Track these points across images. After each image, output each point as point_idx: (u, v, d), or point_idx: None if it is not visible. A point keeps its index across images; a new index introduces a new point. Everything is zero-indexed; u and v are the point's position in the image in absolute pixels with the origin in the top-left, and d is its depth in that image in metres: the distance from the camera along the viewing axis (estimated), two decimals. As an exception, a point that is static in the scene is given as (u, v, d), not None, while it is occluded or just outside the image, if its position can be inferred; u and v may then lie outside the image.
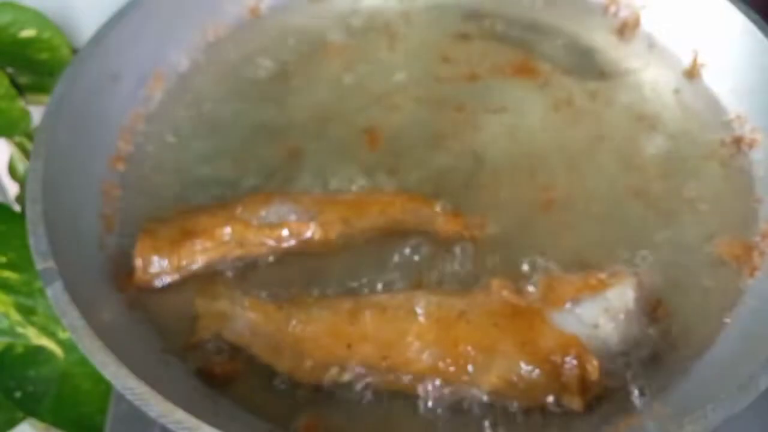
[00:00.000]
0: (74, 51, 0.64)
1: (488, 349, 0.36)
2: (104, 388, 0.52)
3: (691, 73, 0.51)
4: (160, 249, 0.41)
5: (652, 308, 0.39)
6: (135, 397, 0.32)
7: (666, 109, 0.50)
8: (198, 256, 0.41)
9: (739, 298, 0.41)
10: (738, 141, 0.47)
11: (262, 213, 0.42)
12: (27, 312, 0.52)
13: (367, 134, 0.48)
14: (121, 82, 0.48)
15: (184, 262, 0.41)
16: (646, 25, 0.54)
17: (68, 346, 0.53)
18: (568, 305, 0.37)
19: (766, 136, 0.46)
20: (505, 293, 0.38)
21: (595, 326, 0.37)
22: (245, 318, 0.39)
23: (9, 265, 0.52)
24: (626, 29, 0.54)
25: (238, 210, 0.42)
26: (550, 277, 0.40)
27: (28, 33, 0.63)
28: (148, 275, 0.41)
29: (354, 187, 0.45)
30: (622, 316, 0.37)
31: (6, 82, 0.61)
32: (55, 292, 0.36)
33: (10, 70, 0.64)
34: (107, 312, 0.39)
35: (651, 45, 0.53)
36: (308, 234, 0.42)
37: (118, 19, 0.48)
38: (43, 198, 0.39)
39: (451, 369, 0.36)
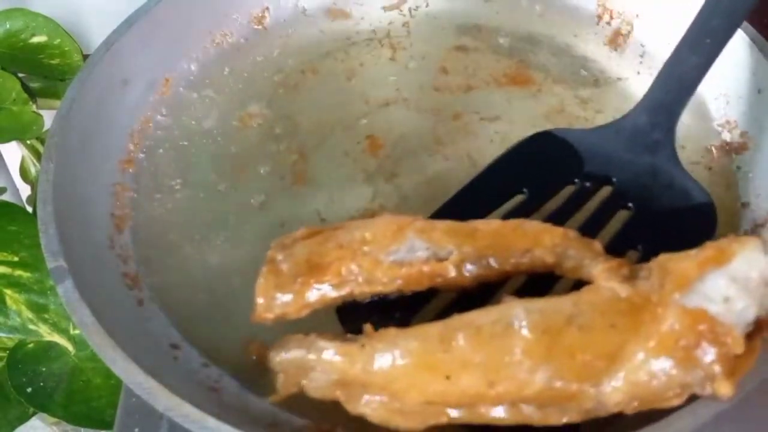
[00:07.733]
0: (85, 56, 0.66)
1: (610, 356, 0.30)
2: (114, 382, 0.53)
3: (682, 81, 0.52)
4: (284, 286, 0.35)
5: None
6: (143, 391, 0.33)
7: (656, 115, 0.50)
8: (325, 295, 0.35)
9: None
10: (726, 146, 0.48)
11: (393, 248, 0.37)
12: (39, 309, 0.53)
13: (369, 140, 0.49)
14: (131, 87, 0.49)
15: (309, 302, 0.36)
16: (638, 34, 0.54)
17: (79, 342, 0.54)
18: (691, 286, 0.31)
19: (754, 141, 0.47)
20: (614, 285, 0.32)
21: (726, 300, 0.30)
22: (325, 364, 0.33)
23: (21, 264, 0.53)
24: (618, 38, 0.55)
25: (368, 242, 0.36)
26: (660, 260, 0.33)
27: (39, 39, 0.64)
28: (270, 314, 0.36)
29: (361, 197, 0.45)
30: (754, 284, 0.30)
31: (18, 86, 0.63)
32: (66, 290, 0.36)
33: (22, 75, 0.65)
34: (116, 309, 0.39)
35: (642, 54, 0.54)
36: (442, 274, 0.35)
37: (127, 25, 0.48)
38: (54, 199, 0.40)
39: (573, 387, 0.30)
